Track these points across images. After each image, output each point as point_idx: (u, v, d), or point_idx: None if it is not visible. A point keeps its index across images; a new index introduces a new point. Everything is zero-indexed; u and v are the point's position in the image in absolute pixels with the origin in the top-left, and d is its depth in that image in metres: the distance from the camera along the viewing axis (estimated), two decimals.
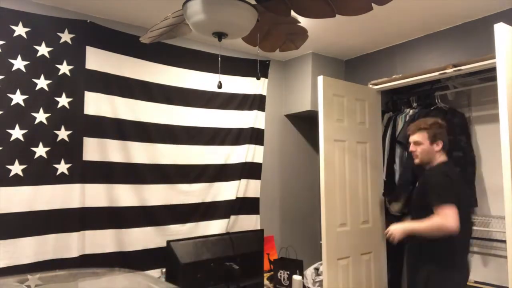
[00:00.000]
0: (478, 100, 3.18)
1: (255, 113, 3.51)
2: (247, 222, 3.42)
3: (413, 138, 2.28)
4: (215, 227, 3.22)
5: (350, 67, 3.77)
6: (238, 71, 3.44)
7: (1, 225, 2.35)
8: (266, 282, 3.11)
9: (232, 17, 1.56)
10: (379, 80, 3.24)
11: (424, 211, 2.10)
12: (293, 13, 1.61)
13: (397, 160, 3.18)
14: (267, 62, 3.67)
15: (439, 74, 2.79)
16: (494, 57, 2.19)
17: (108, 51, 2.81)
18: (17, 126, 2.43)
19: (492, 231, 2.97)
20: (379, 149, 3.28)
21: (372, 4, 1.50)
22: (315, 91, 3.30)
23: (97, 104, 2.74)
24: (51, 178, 2.54)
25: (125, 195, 2.83)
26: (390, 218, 3.42)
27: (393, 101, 3.57)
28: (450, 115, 3.06)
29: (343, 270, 2.88)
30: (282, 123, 3.80)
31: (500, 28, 2.14)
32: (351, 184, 3.01)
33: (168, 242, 2.49)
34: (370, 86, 3.29)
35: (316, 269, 3.22)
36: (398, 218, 3.32)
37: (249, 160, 3.46)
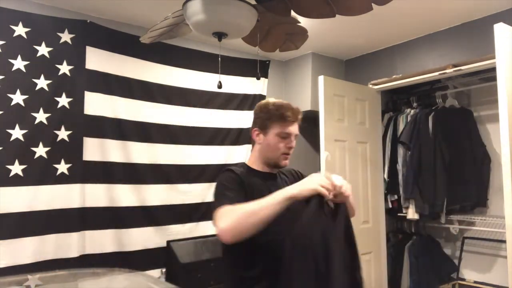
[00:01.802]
0: (478, 100, 3.18)
1: None
2: None
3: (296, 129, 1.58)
4: None
5: (350, 67, 3.77)
6: (238, 71, 3.44)
7: (1, 225, 2.35)
8: None
9: (232, 17, 1.56)
10: (379, 80, 3.24)
11: None
12: (293, 13, 1.61)
13: (399, 160, 3.18)
14: (267, 62, 3.67)
15: (439, 74, 2.79)
16: (494, 57, 2.20)
17: (108, 51, 2.81)
18: (17, 126, 2.43)
19: (492, 231, 2.97)
20: (379, 149, 3.28)
21: (372, 4, 1.50)
22: (315, 91, 3.30)
23: (97, 104, 2.74)
24: (51, 178, 2.54)
25: (125, 195, 2.83)
26: (392, 216, 3.43)
27: (393, 101, 3.57)
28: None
29: None
30: None
31: (500, 28, 2.14)
32: (351, 184, 2.98)
33: (168, 242, 2.50)
34: (370, 86, 3.29)
35: None
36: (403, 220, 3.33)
37: None
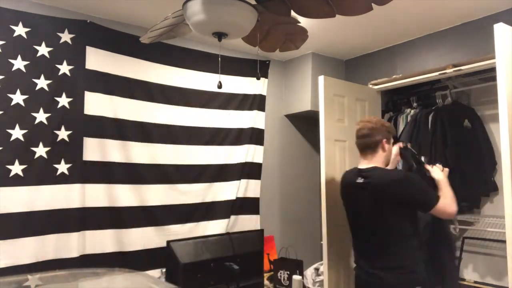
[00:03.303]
0: (478, 100, 3.18)
1: (255, 113, 3.51)
2: (247, 222, 3.42)
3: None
4: (215, 227, 3.22)
5: (350, 67, 3.77)
6: (238, 71, 3.44)
7: (1, 225, 2.35)
8: (266, 282, 3.11)
9: (232, 17, 1.56)
10: (379, 80, 3.24)
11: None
12: (293, 13, 1.61)
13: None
14: (267, 62, 3.67)
15: (439, 74, 2.79)
16: (494, 57, 2.19)
17: (108, 51, 2.81)
18: (17, 126, 2.43)
19: (492, 231, 2.97)
20: None
21: (372, 4, 1.50)
22: (315, 91, 3.30)
23: (97, 104, 2.74)
24: (51, 178, 2.54)
25: (125, 195, 2.83)
26: None
27: (393, 101, 3.57)
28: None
29: (344, 271, 2.88)
30: (282, 123, 3.80)
31: (500, 28, 2.14)
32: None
33: (168, 242, 2.49)
34: (370, 86, 3.29)
35: (316, 269, 3.22)
36: None
37: (249, 160, 3.46)
